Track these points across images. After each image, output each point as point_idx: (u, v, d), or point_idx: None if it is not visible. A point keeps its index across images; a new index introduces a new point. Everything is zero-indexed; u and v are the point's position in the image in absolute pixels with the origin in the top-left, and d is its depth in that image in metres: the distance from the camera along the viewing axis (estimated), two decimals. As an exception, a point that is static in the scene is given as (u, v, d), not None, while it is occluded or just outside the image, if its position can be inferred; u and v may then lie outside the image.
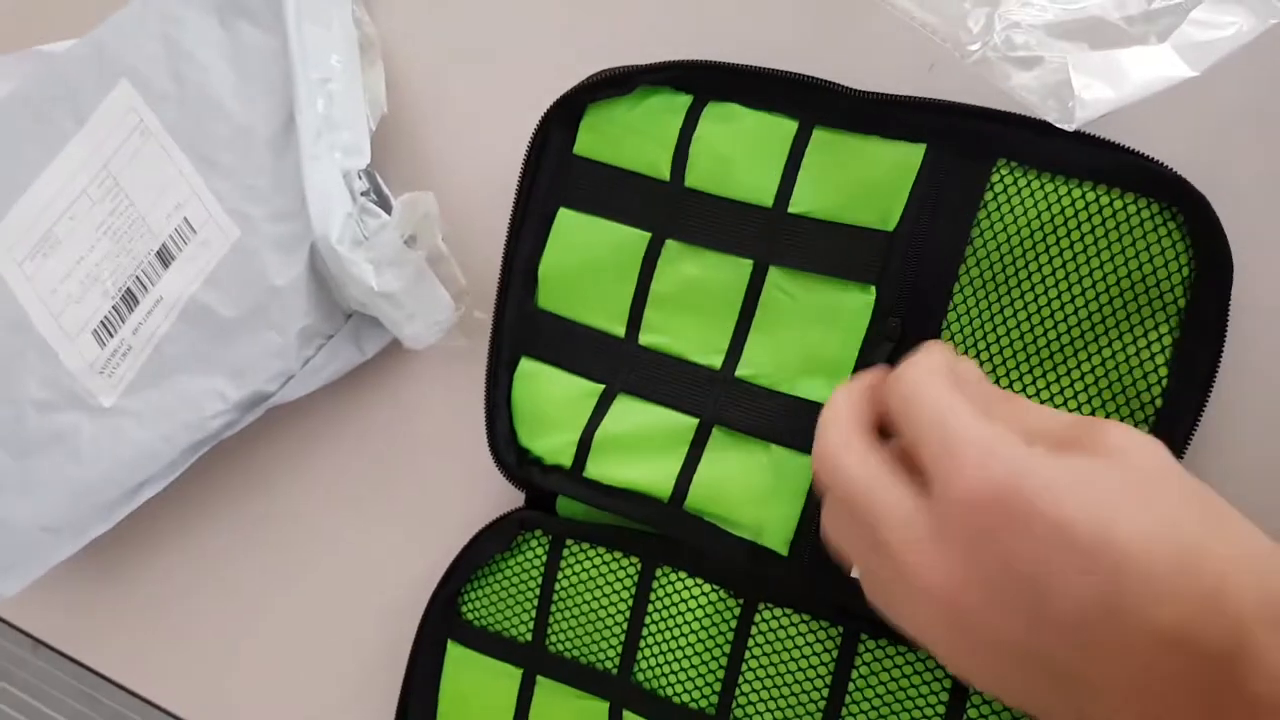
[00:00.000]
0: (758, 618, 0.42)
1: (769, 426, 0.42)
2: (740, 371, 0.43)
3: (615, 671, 0.44)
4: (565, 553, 0.45)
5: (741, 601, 0.42)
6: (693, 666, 0.42)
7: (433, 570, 0.46)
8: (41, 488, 0.49)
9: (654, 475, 0.43)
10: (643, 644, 0.43)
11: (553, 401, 0.45)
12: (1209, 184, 0.37)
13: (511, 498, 0.46)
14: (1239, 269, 0.36)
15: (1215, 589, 0.25)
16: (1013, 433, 0.28)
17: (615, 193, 0.44)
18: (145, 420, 0.48)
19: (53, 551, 0.49)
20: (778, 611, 0.42)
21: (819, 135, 0.41)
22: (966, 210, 0.39)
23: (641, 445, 0.44)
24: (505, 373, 0.46)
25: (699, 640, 0.42)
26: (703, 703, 0.42)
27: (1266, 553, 0.27)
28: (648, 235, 0.44)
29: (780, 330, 0.42)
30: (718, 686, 0.42)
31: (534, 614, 0.45)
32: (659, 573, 0.43)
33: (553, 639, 0.45)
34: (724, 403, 0.43)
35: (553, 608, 0.45)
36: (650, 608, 0.43)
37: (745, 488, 0.42)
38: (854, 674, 0.40)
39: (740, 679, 0.42)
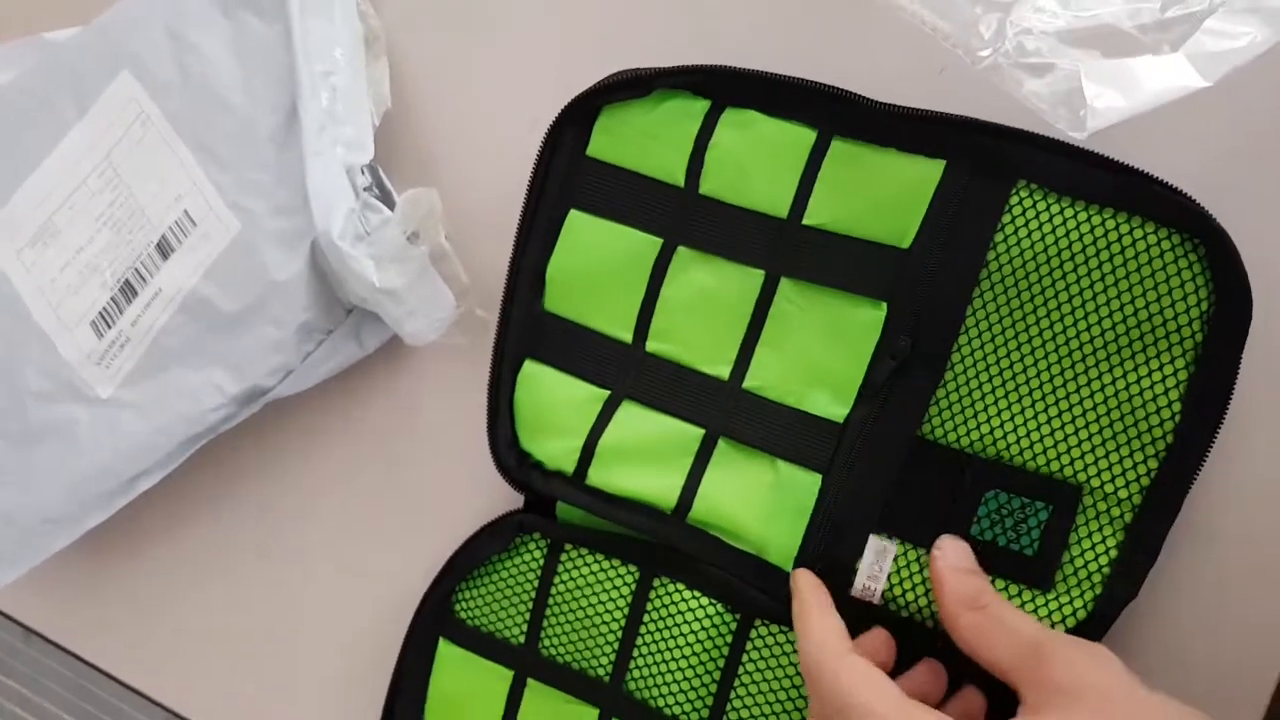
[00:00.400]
0: (753, 634, 0.42)
1: (775, 440, 0.42)
2: (748, 383, 0.42)
3: (607, 679, 0.44)
4: (563, 557, 0.44)
5: (738, 617, 0.42)
6: (685, 679, 0.42)
7: (428, 568, 0.46)
8: (38, 478, 0.49)
9: (658, 485, 0.43)
10: (636, 653, 0.43)
11: (556, 406, 0.44)
12: (1222, 201, 0.37)
13: (510, 498, 0.46)
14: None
15: None
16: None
17: (628, 197, 0.44)
18: (143, 412, 0.48)
19: (49, 541, 0.49)
20: (774, 628, 0.41)
21: (837, 146, 0.41)
22: (983, 231, 0.39)
23: (646, 454, 0.43)
24: (508, 374, 0.45)
25: (693, 653, 0.42)
26: (694, 715, 0.42)
27: None
28: (659, 241, 0.43)
29: (789, 343, 0.42)
30: (709, 701, 0.42)
31: (528, 617, 0.45)
32: (656, 583, 0.43)
33: (546, 643, 0.45)
34: (730, 414, 0.42)
35: (547, 612, 0.45)
36: (646, 618, 0.43)
37: (750, 502, 0.42)
38: None
39: (733, 694, 0.42)
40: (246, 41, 0.48)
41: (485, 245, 0.47)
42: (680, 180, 0.43)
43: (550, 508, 0.46)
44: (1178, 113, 0.36)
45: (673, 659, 0.42)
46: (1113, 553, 0.37)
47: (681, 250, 0.43)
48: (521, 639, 0.45)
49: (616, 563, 0.44)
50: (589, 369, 0.45)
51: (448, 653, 0.47)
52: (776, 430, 0.42)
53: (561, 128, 0.44)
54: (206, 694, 0.54)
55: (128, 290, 0.48)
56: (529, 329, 0.45)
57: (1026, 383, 0.39)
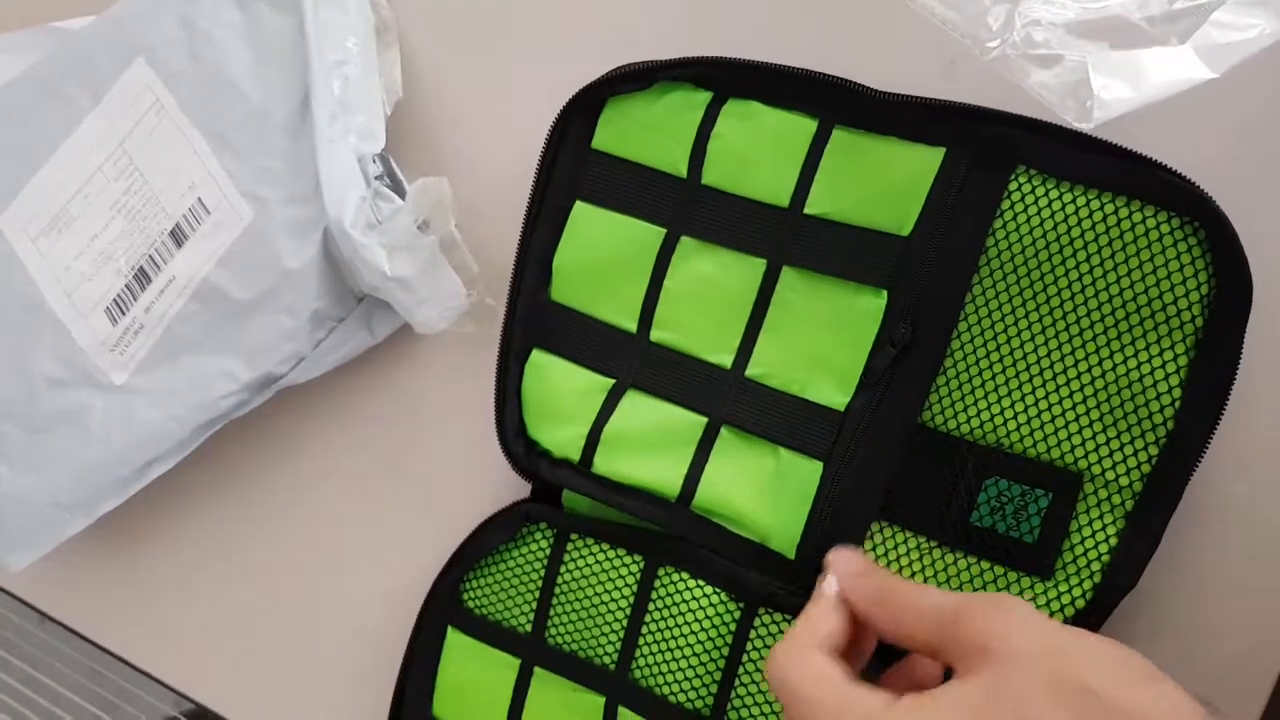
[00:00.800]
0: (757, 622, 0.42)
1: (777, 428, 0.42)
2: (750, 371, 0.43)
3: (613, 668, 0.44)
4: (569, 547, 0.45)
5: (742, 605, 0.42)
6: (690, 668, 0.43)
7: (437, 556, 0.47)
8: (53, 463, 0.49)
9: (662, 473, 0.43)
10: (641, 642, 0.43)
11: (562, 394, 0.45)
12: (1222, 184, 0.37)
13: (517, 487, 0.47)
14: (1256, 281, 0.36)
15: None
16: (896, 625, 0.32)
17: (632, 188, 0.44)
18: (156, 399, 0.48)
19: (62, 527, 0.50)
20: (778, 616, 0.42)
21: (838, 136, 0.41)
22: (983, 218, 0.39)
23: (650, 442, 0.44)
24: (516, 363, 0.46)
25: (698, 642, 0.43)
26: (698, 703, 0.43)
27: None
28: (663, 231, 0.44)
29: (791, 331, 0.42)
30: (714, 689, 0.42)
31: (535, 606, 0.45)
32: (661, 572, 0.43)
33: (552, 632, 0.45)
34: (733, 403, 0.43)
35: (554, 601, 0.45)
36: (651, 607, 0.43)
37: (753, 490, 0.42)
38: None
39: (737, 682, 0.42)
40: (260, 31, 0.48)
41: (494, 234, 0.47)
42: (683, 171, 0.43)
43: (557, 497, 0.46)
44: (1179, 99, 0.36)
45: (677, 647, 0.43)
46: (1113, 541, 0.38)
47: (685, 240, 0.43)
48: (529, 628, 0.46)
49: (622, 552, 0.44)
50: (594, 358, 0.45)
51: (456, 641, 0.47)
52: (778, 418, 0.42)
53: (567, 120, 0.44)
54: (219, 678, 0.55)
55: (142, 277, 0.48)
56: (536, 319, 0.46)
57: (1026, 369, 0.39)
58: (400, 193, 0.47)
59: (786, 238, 0.42)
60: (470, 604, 0.47)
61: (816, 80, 0.41)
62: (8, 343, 0.50)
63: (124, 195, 0.49)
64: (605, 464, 0.44)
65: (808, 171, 0.42)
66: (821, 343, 0.42)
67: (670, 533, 0.43)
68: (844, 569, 0.35)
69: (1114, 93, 0.36)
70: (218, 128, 0.48)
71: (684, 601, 0.43)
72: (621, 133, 0.44)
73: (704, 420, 0.43)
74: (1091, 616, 0.38)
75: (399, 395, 0.50)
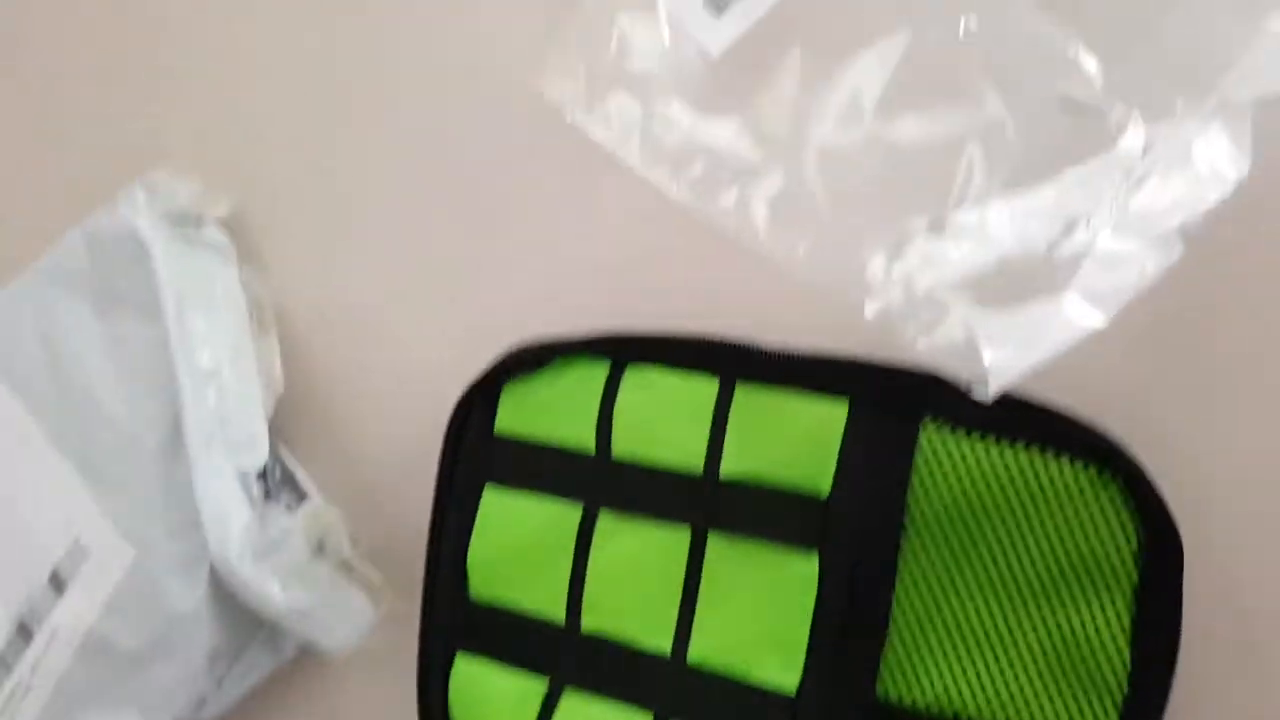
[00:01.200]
0: None
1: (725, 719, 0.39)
2: (692, 655, 0.40)
3: None
4: None
5: None
6: None
7: None
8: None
9: None
10: None
11: (493, 703, 0.42)
12: (1138, 419, 0.36)
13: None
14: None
15: None
16: None
17: (542, 468, 0.42)
18: (54, 761, 0.44)
19: None
20: None
21: (741, 394, 0.39)
22: (899, 473, 0.37)
23: None
24: (439, 676, 0.43)
25: None
26: None
27: None
28: (580, 510, 0.41)
29: (728, 603, 0.40)
30: None
31: None
32: None
33: None
34: (678, 694, 0.40)
35: None
36: None
37: None
38: None
39: None
40: (123, 344, 0.45)
41: (400, 528, 0.45)
42: (591, 447, 0.41)
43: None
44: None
45: None
46: None
47: (604, 516, 0.41)
48: None
49: None
50: (525, 656, 0.42)
51: None
52: (728, 710, 0.39)
53: (465, 410, 0.42)
54: None
55: (24, 632, 0.45)
56: (456, 621, 0.43)
57: (972, 632, 0.37)
58: (296, 489, 0.44)
59: (707, 504, 0.40)
60: None
61: (711, 344, 0.40)
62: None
63: (-4, 542, 0.46)
64: None
65: (717, 434, 0.40)
66: (760, 614, 0.39)
67: None
68: None
69: (1005, 359, 0.35)
70: (89, 458, 0.45)
71: None
72: (524, 414, 0.42)
73: (649, 717, 0.40)
74: None
75: (317, 715, 0.47)
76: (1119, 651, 0.35)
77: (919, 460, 0.37)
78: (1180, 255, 0.34)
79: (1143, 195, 0.36)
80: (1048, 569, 0.36)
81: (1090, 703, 0.35)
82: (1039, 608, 0.36)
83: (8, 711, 0.45)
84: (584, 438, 0.41)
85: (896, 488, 0.37)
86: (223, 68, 0.51)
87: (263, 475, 0.44)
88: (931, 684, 0.37)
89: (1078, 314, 0.34)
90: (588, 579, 0.41)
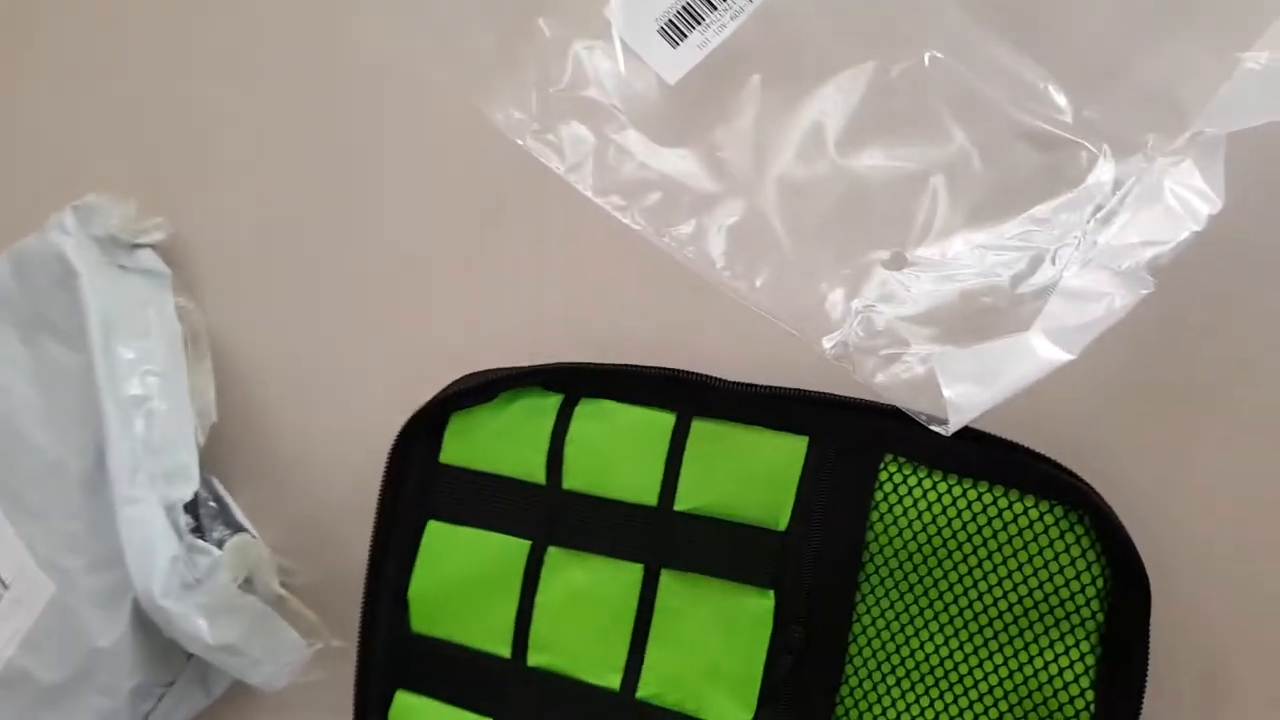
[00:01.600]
0: None
1: None
2: (641, 692, 0.38)
3: None
4: None
5: None
6: None
7: None
8: None
9: None
10: None
11: None
12: (1106, 456, 0.34)
13: None
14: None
15: None
16: None
17: (489, 500, 0.40)
18: (-33, 803, 0.42)
19: None
20: None
21: (699, 427, 0.38)
22: (858, 511, 0.36)
23: None
24: (376, 713, 0.41)
25: None
26: None
27: None
28: (528, 544, 0.40)
29: (679, 640, 0.38)
30: None
31: None
32: None
33: None
34: None
35: None
36: None
37: None
38: None
39: None
40: (49, 371, 0.44)
41: (340, 556, 0.43)
42: (541, 478, 0.40)
43: None
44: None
45: None
46: None
47: (553, 551, 0.40)
48: None
49: None
50: (468, 694, 0.40)
51: None
52: None
53: (409, 439, 0.41)
54: None
55: (-63, 665, 0.42)
56: (396, 655, 0.41)
57: (931, 671, 0.36)
58: (229, 520, 0.42)
59: (660, 539, 0.38)
60: None
61: (668, 377, 0.38)
62: None
63: (-90, 571, 0.43)
64: None
65: (672, 467, 0.38)
66: (713, 651, 0.38)
67: None
68: None
69: (966, 394, 0.33)
70: (9, 485, 0.43)
71: None
72: (471, 444, 0.41)
73: None
74: None
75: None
76: (1082, 693, 0.34)
77: (879, 497, 0.36)
78: (1150, 291, 0.33)
79: (1112, 230, 0.35)
80: (1010, 608, 0.34)
81: None
82: (1000, 648, 0.35)
83: (-84, 750, 0.42)
84: (533, 469, 0.40)
85: (856, 524, 0.36)
86: (164, 92, 0.49)
87: (192, 507, 0.42)
88: (889, 724, 0.36)
89: (1043, 349, 0.33)
90: (535, 614, 0.40)
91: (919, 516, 0.35)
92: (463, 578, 0.41)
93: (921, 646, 0.36)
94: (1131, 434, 0.37)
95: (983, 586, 0.35)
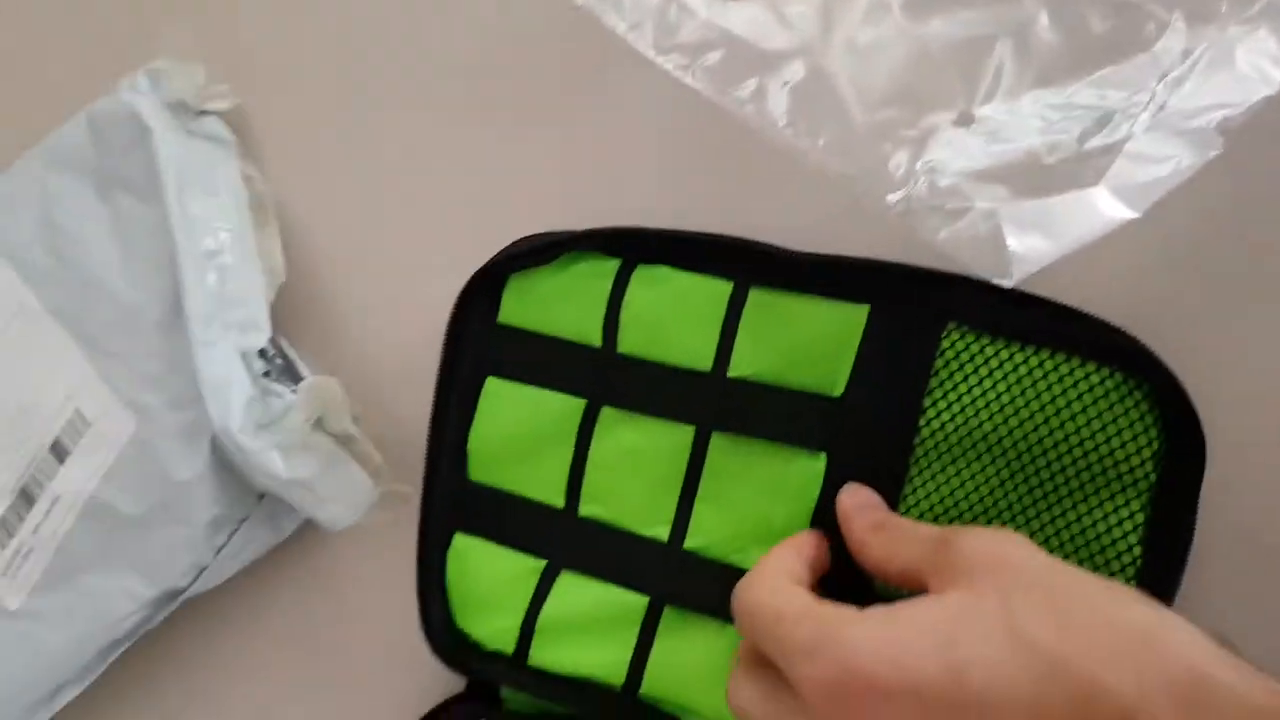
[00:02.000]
0: None
1: (723, 604, 0.39)
2: (689, 543, 0.40)
3: None
4: None
5: None
6: None
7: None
8: (-44, 695, 0.46)
9: (604, 661, 0.40)
10: None
11: (491, 580, 0.42)
12: (1163, 325, 0.35)
13: (451, 681, 0.43)
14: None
15: (1085, 694, 0.25)
16: (880, 563, 0.33)
17: (545, 360, 0.41)
18: (55, 623, 0.45)
19: (-27, 757, 0.46)
20: None
21: (755, 296, 0.39)
22: (918, 379, 0.37)
23: (589, 628, 0.41)
24: (437, 553, 0.43)
25: None
26: None
27: (1138, 646, 0.25)
28: (583, 403, 0.41)
29: (728, 498, 0.39)
30: None
31: None
32: None
33: None
34: (674, 578, 0.40)
35: None
36: None
37: (703, 672, 0.39)
38: None
39: None
40: (125, 224, 0.45)
41: (401, 413, 0.45)
42: (597, 341, 0.41)
43: (496, 689, 0.43)
44: (1106, 237, 0.34)
45: None
46: None
47: (606, 410, 0.41)
48: None
49: None
50: (522, 538, 0.42)
51: None
52: (724, 592, 0.39)
53: (469, 298, 0.42)
54: None
55: (25, 497, 0.45)
56: (456, 501, 0.43)
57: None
58: (295, 376, 0.44)
59: (712, 403, 0.39)
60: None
61: (727, 244, 0.39)
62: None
63: (-2, 408, 0.46)
64: (542, 655, 0.41)
65: (728, 334, 0.39)
66: (762, 509, 0.39)
67: None
68: (860, 499, 0.36)
69: (1030, 246, 0.34)
70: (90, 331, 0.44)
71: None
72: (529, 305, 0.42)
73: (645, 600, 0.40)
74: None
75: (313, 593, 0.47)
76: (1130, 549, 0.35)
77: (939, 364, 0.37)
78: (1219, 152, 0.33)
79: (1182, 93, 0.35)
80: (1064, 469, 0.35)
81: None
82: (1050, 506, 0.36)
83: (10, 572, 0.45)
84: (589, 331, 0.41)
85: (914, 390, 0.37)
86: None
87: (263, 356, 0.44)
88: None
89: (1107, 206, 0.33)
90: (588, 468, 0.41)
91: (979, 384, 0.36)
92: (519, 432, 0.42)
93: (971, 508, 0.37)
94: (1190, 311, 0.37)
95: (1037, 450, 0.36)
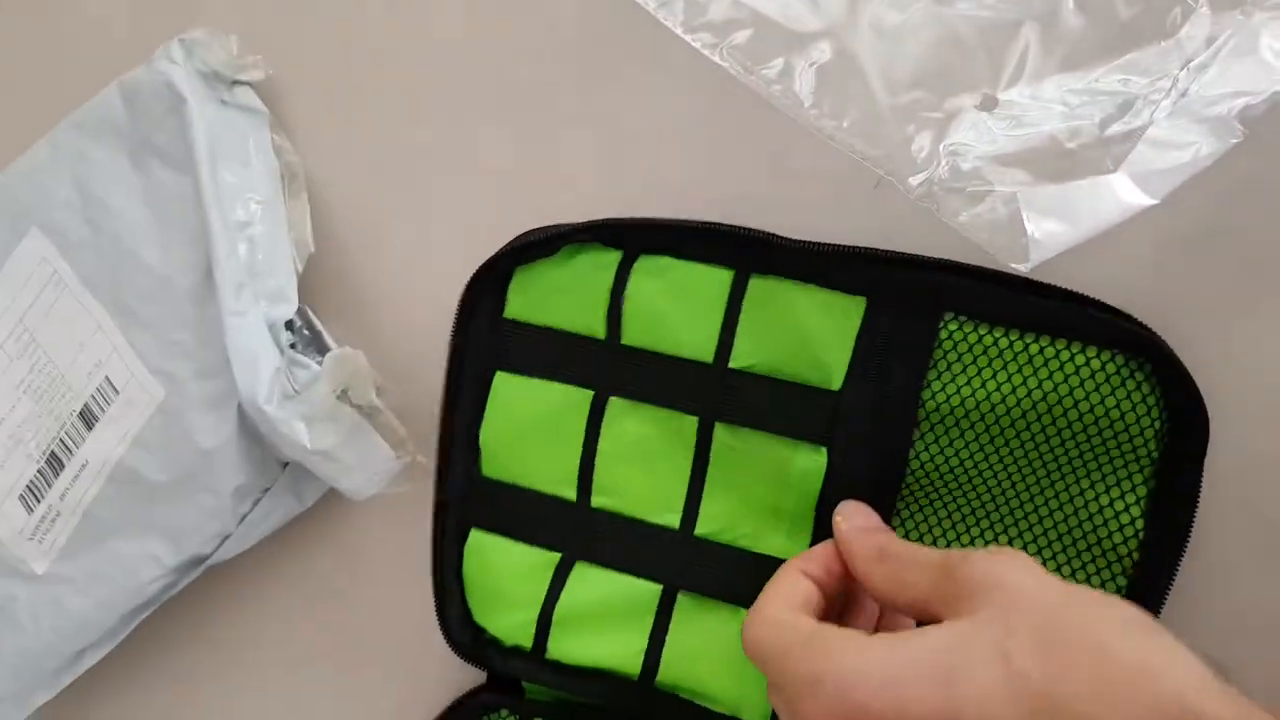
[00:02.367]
0: None
1: (735, 589, 0.40)
2: (700, 529, 0.40)
3: None
4: None
5: None
6: None
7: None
8: (-20, 657, 0.47)
9: (620, 650, 0.41)
10: None
11: (507, 575, 0.43)
12: (1162, 306, 0.35)
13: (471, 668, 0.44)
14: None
15: None
16: (887, 587, 0.32)
17: (552, 354, 0.42)
18: (81, 587, 0.46)
19: (-4, 720, 0.47)
20: None
21: (755, 285, 0.39)
22: (916, 371, 0.37)
23: (604, 618, 0.41)
24: (453, 547, 0.43)
25: None
26: None
27: (1131, 678, 0.26)
28: (590, 394, 0.42)
29: (736, 484, 0.40)
30: None
31: None
32: None
33: None
34: (686, 565, 0.40)
35: None
36: None
37: (718, 658, 0.40)
38: None
39: None
40: (158, 193, 0.45)
41: (422, 388, 0.45)
42: (601, 333, 0.41)
43: (516, 679, 0.44)
44: (1124, 223, 0.34)
45: None
46: None
47: (614, 401, 0.41)
48: None
49: None
50: (536, 532, 0.43)
51: None
52: (736, 577, 0.40)
53: (474, 293, 0.42)
54: None
55: (54, 462, 0.46)
56: (469, 497, 0.43)
57: (978, 521, 0.37)
58: (321, 347, 0.44)
59: (715, 394, 0.40)
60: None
61: (727, 233, 0.39)
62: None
63: (29, 375, 0.46)
64: (559, 647, 0.42)
65: (729, 324, 0.39)
66: (769, 496, 0.40)
67: (636, 716, 0.41)
68: (857, 521, 0.35)
69: (1048, 231, 0.34)
70: (121, 300, 0.45)
71: None
72: (533, 299, 0.42)
73: (659, 588, 0.41)
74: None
75: (335, 564, 0.48)
76: (1132, 522, 0.35)
77: (938, 355, 0.37)
78: (1239, 140, 0.33)
79: (1204, 80, 0.35)
80: (1066, 451, 0.36)
81: (1099, 571, 0.36)
82: (1052, 485, 0.36)
83: (37, 537, 0.46)
84: (594, 323, 0.41)
85: (913, 383, 0.37)
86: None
87: (290, 328, 0.44)
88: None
89: (1126, 192, 0.33)
90: (597, 461, 0.42)
91: (978, 373, 0.36)
92: (530, 426, 0.42)
93: (969, 501, 0.37)
94: (1199, 300, 0.37)
95: (1039, 438, 0.36)
